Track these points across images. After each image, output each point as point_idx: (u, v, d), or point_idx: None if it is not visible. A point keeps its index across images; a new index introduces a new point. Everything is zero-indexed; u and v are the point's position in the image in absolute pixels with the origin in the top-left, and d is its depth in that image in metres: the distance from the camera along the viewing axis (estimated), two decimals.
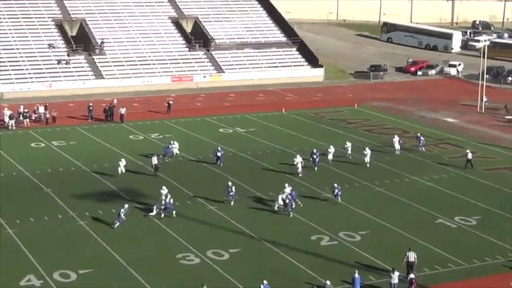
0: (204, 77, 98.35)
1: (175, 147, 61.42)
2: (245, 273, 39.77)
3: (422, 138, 66.08)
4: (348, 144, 62.35)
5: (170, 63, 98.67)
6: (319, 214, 48.74)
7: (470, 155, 59.51)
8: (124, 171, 56.02)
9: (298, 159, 57.10)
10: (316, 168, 58.46)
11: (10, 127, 71.61)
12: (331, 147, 60.82)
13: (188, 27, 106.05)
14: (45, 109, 75.31)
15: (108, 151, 64.14)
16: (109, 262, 41.18)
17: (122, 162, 56.27)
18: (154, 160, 57.10)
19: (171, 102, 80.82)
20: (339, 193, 51.11)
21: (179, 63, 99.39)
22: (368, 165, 59.27)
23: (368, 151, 59.92)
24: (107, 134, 70.18)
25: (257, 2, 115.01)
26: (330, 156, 60.15)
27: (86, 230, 45.49)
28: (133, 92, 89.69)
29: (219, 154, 60.20)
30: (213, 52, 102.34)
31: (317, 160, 58.95)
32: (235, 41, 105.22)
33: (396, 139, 63.73)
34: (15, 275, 39.11)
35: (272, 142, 67.41)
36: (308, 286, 36.53)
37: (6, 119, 72.41)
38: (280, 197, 48.85)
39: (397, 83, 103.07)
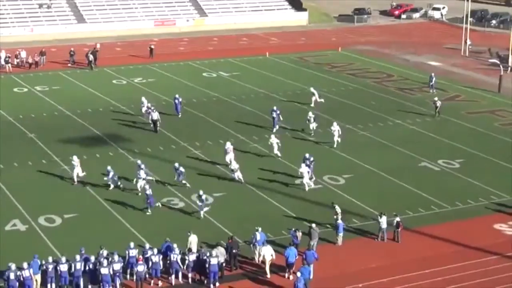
0: (187, 21, 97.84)
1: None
2: (230, 217, 39.96)
3: (434, 77, 66.32)
4: (310, 115, 54.31)
5: (153, 7, 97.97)
6: (302, 157, 48.77)
7: (438, 103, 58.48)
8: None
9: (274, 140, 49.87)
10: None
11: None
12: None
13: None
14: (42, 54, 75.27)
15: (92, 96, 63.85)
16: (94, 206, 41.26)
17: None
18: (154, 116, 54.15)
19: (152, 46, 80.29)
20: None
21: (162, 7, 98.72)
22: (335, 145, 51.24)
23: (336, 127, 51.48)
24: (90, 79, 69.76)
25: None
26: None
27: (67, 173, 45.57)
28: (116, 37, 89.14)
29: (177, 101, 58.34)
30: None
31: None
32: None
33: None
34: (0, 220, 39.23)
35: (256, 86, 67.27)
36: (293, 229, 36.59)
37: None
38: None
39: (381, 26, 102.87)
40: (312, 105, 60.01)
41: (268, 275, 34.07)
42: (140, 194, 41.83)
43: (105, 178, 43.62)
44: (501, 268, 35.10)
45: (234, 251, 34.87)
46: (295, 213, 40.49)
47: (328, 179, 45.64)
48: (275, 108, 55.27)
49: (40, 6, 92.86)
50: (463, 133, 55.30)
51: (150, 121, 54.20)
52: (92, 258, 32.70)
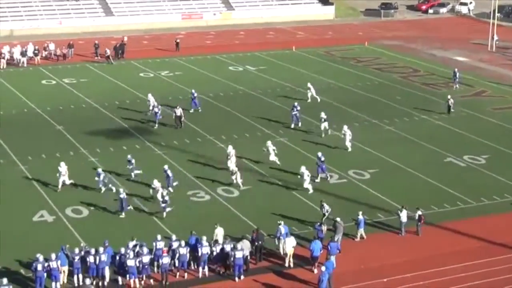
0: (214, 14, 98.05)
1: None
2: (256, 211, 40.19)
3: (457, 73, 66.03)
4: (323, 115, 52.34)
5: (180, 1, 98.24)
6: (328, 152, 48.75)
7: (451, 101, 57.98)
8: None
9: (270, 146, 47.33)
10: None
11: (21, 64, 71.71)
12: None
13: None
14: (70, 46, 75.58)
15: (119, 89, 64.21)
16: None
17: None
18: (178, 112, 54.01)
19: (178, 40, 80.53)
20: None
21: (189, 0, 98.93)
22: (349, 149, 49.69)
23: (347, 131, 49.61)
24: (118, 72, 70.15)
25: None
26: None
27: (98, 167, 45.84)
28: (143, 30, 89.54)
29: (193, 96, 57.97)
30: None
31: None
32: None
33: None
34: (28, 211, 39.57)
35: (282, 80, 67.35)
36: (318, 224, 36.75)
37: (18, 56, 72.46)
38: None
39: (408, 21, 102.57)
40: (309, 100, 59.78)
41: (286, 265, 34.48)
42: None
43: (129, 167, 44.10)
44: None
45: (259, 243, 35.11)
46: (319, 208, 40.64)
47: (353, 173, 45.68)
48: (296, 104, 55.08)
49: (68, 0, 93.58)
50: (489, 128, 55.08)
51: (174, 117, 53.86)
52: (122, 250, 33.02)
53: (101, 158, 47.02)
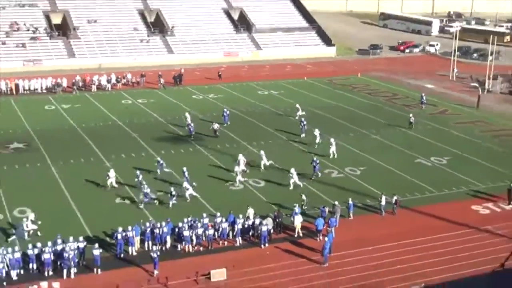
0: (247, 53, 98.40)
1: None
2: (277, 197, 40.52)
3: (424, 97, 65.84)
4: (317, 132, 51.64)
5: (223, 42, 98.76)
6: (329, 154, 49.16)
7: (412, 119, 57.18)
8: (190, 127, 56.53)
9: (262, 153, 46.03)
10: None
11: (106, 89, 72.62)
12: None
13: (236, 15, 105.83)
14: (142, 76, 75.96)
15: (177, 107, 64.74)
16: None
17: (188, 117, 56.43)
18: (215, 126, 53.92)
19: (220, 72, 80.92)
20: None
21: (229, 42, 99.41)
22: (334, 155, 48.21)
23: (333, 142, 48.70)
24: (177, 95, 70.73)
25: None
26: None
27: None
28: (196, 64, 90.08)
29: (225, 113, 57.60)
30: (253, 34, 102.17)
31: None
32: (270, 26, 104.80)
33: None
34: (112, 196, 40.17)
35: (296, 101, 67.47)
36: (322, 206, 37.12)
37: (104, 83, 73.39)
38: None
39: (390, 58, 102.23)
40: (296, 118, 58.33)
41: (296, 235, 35.18)
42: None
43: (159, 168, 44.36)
44: (478, 238, 35.36)
45: (279, 220, 35.58)
46: (324, 195, 40.95)
47: (348, 170, 45.96)
48: (303, 119, 55.22)
49: (141, 41, 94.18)
50: (450, 138, 55.01)
51: (212, 129, 53.62)
52: (180, 224, 33.58)
53: (165, 158, 47.45)
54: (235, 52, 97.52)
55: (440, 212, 38.72)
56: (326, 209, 36.66)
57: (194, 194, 39.98)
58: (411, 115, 58.15)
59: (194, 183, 40.93)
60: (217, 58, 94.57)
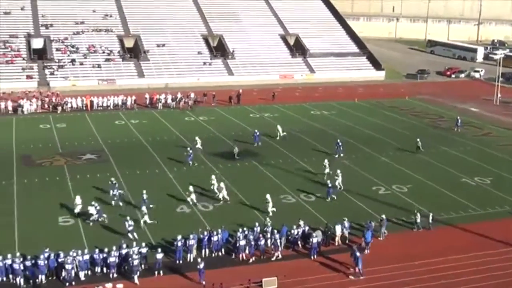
0: (302, 75, 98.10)
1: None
2: (327, 211, 39.69)
3: (459, 120, 63.86)
4: (326, 163, 47.00)
5: (279, 65, 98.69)
6: (378, 172, 48.04)
7: (420, 143, 54.32)
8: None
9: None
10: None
11: (171, 107, 73.13)
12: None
13: (292, 41, 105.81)
14: (205, 95, 76.04)
15: (235, 124, 64.70)
16: (231, 197, 41.48)
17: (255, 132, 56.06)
18: (235, 150, 50.86)
19: (275, 92, 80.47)
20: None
21: (285, 65, 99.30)
22: (341, 187, 43.59)
23: (339, 174, 44.17)
24: (235, 113, 70.73)
25: (339, 24, 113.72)
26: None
27: (221, 178, 46.20)
28: (253, 85, 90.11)
29: (256, 134, 56.04)
30: (308, 59, 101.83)
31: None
32: (323, 51, 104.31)
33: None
34: (172, 205, 40.08)
35: (347, 121, 66.86)
36: (369, 221, 36.21)
37: (169, 101, 73.96)
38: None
39: (436, 82, 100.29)
40: (278, 138, 56.86)
41: (336, 244, 34.50)
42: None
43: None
44: None
45: (328, 233, 34.81)
46: (371, 209, 39.98)
47: (395, 187, 44.81)
48: (338, 140, 53.77)
49: (204, 63, 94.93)
50: (494, 159, 53.08)
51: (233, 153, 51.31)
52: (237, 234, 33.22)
53: (222, 171, 47.38)
54: (290, 74, 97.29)
55: (483, 230, 37.18)
56: (373, 224, 35.73)
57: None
58: (418, 139, 55.37)
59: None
60: (273, 80, 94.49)
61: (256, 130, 57.12)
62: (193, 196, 39.83)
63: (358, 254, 31.29)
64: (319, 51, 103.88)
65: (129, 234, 34.48)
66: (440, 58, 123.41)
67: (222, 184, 40.94)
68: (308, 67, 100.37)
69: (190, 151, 48.45)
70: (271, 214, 38.20)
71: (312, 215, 38.90)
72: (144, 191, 39.08)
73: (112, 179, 41.47)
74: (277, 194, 42.36)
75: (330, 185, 42.38)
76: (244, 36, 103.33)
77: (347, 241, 34.90)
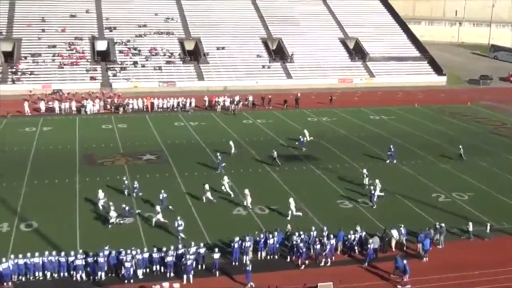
0: (361, 80, 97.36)
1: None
2: (385, 217, 39.22)
3: None
4: (365, 172, 45.42)
5: (338, 69, 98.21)
6: (438, 178, 47.15)
7: (462, 151, 52.89)
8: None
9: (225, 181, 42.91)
10: None
11: (230, 109, 73.65)
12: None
13: (351, 45, 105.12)
14: (263, 98, 76.21)
15: (292, 128, 64.62)
16: (288, 200, 41.53)
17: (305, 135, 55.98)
18: (274, 154, 50.05)
19: (332, 96, 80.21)
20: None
21: (344, 69, 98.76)
22: (374, 204, 41.14)
23: (377, 184, 42.23)
24: (293, 116, 70.66)
25: (400, 28, 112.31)
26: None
27: (275, 179, 46.20)
28: (311, 88, 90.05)
29: (302, 139, 55.48)
30: (367, 63, 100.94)
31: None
32: (383, 55, 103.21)
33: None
34: (229, 209, 40.39)
35: (406, 127, 65.92)
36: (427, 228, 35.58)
37: (228, 103, 74.46)
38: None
39: (500, 88, 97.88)
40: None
41: (393, 249, 33.98)
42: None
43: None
44: None
45: (385, 240, 34.39)
46: (430, 216, 39.27)
47: (455, 195, 43.85)
48: (391, 146, 52.92)
49: (263, 66, 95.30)
50: None
51: (274, 156, 50.36)
52: (294, 237, 33.14)
53: (279, 174, 47.42)
54: (349, 78, 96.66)
55: None
56: (432, 231, 35.10)
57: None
58: (460, 146, 53.96)
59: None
60: (332, 84, 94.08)
61: (304, 133, 57.03)
62: (249, 198, 40.00)
63: (404, 262, 30.83)
64: (379, 55, 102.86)
65: (180, 234, 35.03)
66: (504, 64, 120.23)
67: (246, 191, 40.53)
68: (367, 71, 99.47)
69: (220, 157, 48.16)
70: (289, 218, 37.99)
71: (370, 220, 38.50)
72: (163, 191, 39.62)
73: (124, 178, 42.44)
74: (334, 198, 42.11)
75: (373, 191, 41.67)
76: (303, 40, 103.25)
77: (404, 248, 34.44)
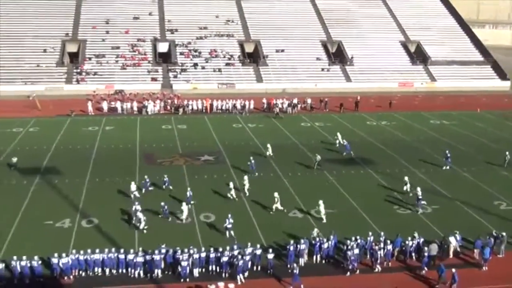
0: (421, 84, 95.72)
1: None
2: (443, 224, 38.41)
3: None
4: (406, 179, 44.41)
5: (398, 73, 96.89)
6: (499, 186, 45.87)
7: (508, 157, 50.99)
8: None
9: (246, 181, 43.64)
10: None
11: (288, 112, 73.59)
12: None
13: (412, 48, 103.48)
14: (321, 101, 75.97)
15: (350, 131, 64.03)
16: (348, 206, 41.35)
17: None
18: (317, 158, 49.67)
19: (391, 101, 79.30)
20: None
21: (405, 73, 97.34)
22: (420, 209, 40.51)
23: (419, 192, 41.09)
24: (351, 120, 70.11)
25: (463, 32, 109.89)
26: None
27: (332, 182, 46.00)
28: (371, 92, 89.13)
29: (346, 143, 54.47)
30: (429, 66, 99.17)
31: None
32: (445, 59, 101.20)
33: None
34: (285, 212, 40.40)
35: (468, 132, 64.42)
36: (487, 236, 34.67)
37: (285, 106, 74.50)
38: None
39: None
40: (337, 145, 55.00)
41: (450, 257, 33.33)
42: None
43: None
44: None
45: (444, 247, 33.74)
46: (490, 225, 38.24)
47: None
48: (447, 151, 51.72)
49: (322, 69, 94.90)
50: None
51: (314, 161, 50.05)
52: (348, 242, 32.90)
53: (336, 177, 47.16)
54: (410, 82, 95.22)
55: None
56: (492, 240, 34.18)
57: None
58: (507, 153, 52.05)
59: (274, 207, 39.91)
60: (392, 87, 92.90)
61: (343, 141, 55.96)
62: (278, 203, 39.47)
63: (453, 270, 30.17)
64: (441, 59, 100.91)
65: (228, 232, 35.33)
66: None
67: (276, 194, 40.23)
68: (428, 75, 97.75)
69: (253, 161, 48.13)
70: (324, 220, 38.00)
71: (428, 227, 37.82)
72: (189, 189, 40.47)
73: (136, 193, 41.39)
74: (391, 204, 41.56)
75: (420, 197, 40.70)
76: (364, 43, 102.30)
77: (460, 255, 33.70)
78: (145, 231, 36.21)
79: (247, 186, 43.10)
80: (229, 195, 41.67)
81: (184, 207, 38.33)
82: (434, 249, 32.87)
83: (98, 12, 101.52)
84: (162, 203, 38.59)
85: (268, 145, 53.37)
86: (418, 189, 41.41)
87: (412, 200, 41.62)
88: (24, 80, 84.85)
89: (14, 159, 48.66)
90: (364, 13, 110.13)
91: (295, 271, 30.36)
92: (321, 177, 47.25)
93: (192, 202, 40.01)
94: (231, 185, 42.21)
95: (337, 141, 56.48)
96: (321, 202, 38.38)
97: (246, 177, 43.89)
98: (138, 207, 37.44)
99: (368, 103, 79.83)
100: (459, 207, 41.42)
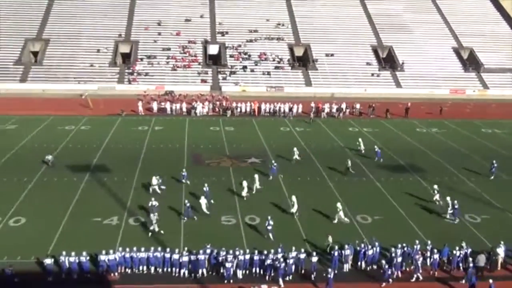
0: (474, 91, 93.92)
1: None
2: (492, 235, 37.42)
3: None
4: (435, 187, 43.75)
5: (450, 80, 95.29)
6: None
7: None
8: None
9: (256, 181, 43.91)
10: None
11: (336, 116, 73.13)
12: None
13: (465, 55, 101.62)
14: (370, 106, 75.25)
15: (399, 138, 63.23)
16: (394, 212, 40.81)
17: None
18: (348, 163, 51.33)
19: (443, 107, 77.96)
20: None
21: (456, 80, 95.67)
22: (456, 219, 39.71)
23: (449, 202, 40.20)
24: (400, 126, 69.21)
25: None
26: None
27: (379, 189, 45.51)
28: (421, 98, 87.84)
29: (378, 150, 53.25)
30: (482, 74, 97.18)
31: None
32: (499, 66, 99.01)
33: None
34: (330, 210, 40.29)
35: None
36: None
37: (334, 110, 74.07)
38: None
39: None
40: (363, 151, 54.59)
41: (499, 268, 32.79)
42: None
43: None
44: None
45: (492, 258, 32.99)
46: None
47: None
48: (494, 161, 50.07)
49: (372, 74, 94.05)
50: None
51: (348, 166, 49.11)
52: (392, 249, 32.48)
53: (384, 184, 46.61)
54: (462, 90, 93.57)
55: None
56: None
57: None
58: None
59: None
60: (443, 94, 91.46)
61: (376, 147, 54.90)
62: (341, 213, 38.94)
63: (490, 281, 29.52)
64: (494, 66, 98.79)
65: (269, 234, 35.35)
66: None
67: (293, 198, 39.78)
68: (481, 82, 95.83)
69: (275, 164, 47.65)
70: (346, 220, 38.07)
71: (476, 237, 37.03)
72: (206, 184, 41.61)
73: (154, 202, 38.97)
74: (440, 212, 40.83)
75: (456, 206, 39.70)
76: (415, 48, 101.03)
77: (506, 266, 32.91)
78: (157, 231, 36.10)
79: (257, 184, 43.31)
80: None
81: (202, 200, 38.99)
82: (482, 260, 32.18)
83: (151, 13, 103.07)
84: (186, 201, 39.21)
85: (295, 149, 52.83)
86: (448, 198, 40.49)
87: (445, 210, 40.65)
88: (77, 79, 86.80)
89: (49, 157, 49.47)
90: (416, 19, 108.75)
91: (329, 276, 30.14)
92: (368, 183, 46.77)
93: (211, 200, 40.41)
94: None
95: (360, 147, 55.57)
96: (339, 204, 38.72)
97: (256, 176, 43.93)
98: (155, 203, 37.69)
99: (418, 109, 78.69)
100: (510, 219, 40.39)
